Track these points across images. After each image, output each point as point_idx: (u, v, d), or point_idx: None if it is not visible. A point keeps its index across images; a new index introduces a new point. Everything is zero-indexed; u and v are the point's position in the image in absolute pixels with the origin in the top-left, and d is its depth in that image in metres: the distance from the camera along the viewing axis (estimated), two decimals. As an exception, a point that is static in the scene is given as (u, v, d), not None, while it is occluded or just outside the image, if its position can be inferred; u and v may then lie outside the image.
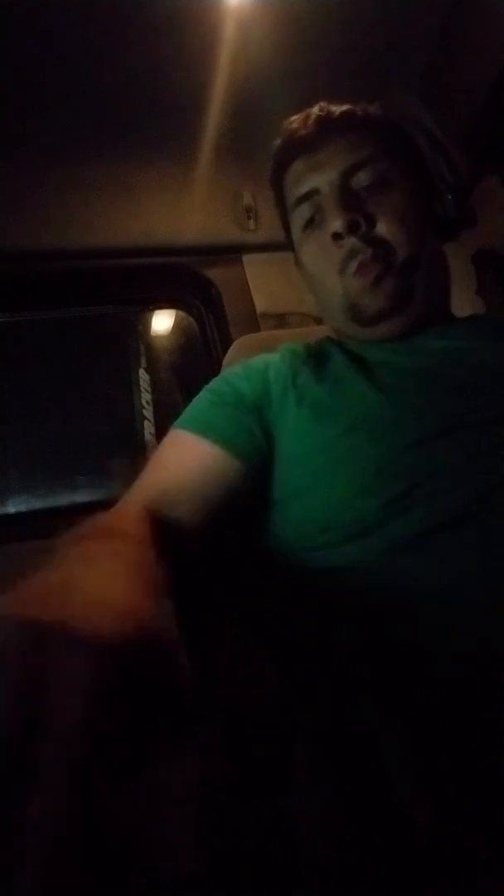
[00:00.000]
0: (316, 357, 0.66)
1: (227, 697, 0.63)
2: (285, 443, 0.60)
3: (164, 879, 0.20)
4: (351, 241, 0.62)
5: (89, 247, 1.29)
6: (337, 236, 0.63)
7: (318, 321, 0.84)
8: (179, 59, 1.11)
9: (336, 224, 0.62)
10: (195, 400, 0.65)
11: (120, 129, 1.25)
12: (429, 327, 0.66)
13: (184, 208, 1.34)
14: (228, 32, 1.07)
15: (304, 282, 0.75)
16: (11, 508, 1.52)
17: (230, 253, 1.37)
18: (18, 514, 1.45)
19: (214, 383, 0.67)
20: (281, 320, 1.31)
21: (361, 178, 0.65)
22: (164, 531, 0.47)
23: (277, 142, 0.71)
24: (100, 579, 0.28)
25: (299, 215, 0.68)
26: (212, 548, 0.55)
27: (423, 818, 0.45)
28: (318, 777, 0.55)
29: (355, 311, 0.65)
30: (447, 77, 1.18)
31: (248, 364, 0.68)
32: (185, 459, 0.58)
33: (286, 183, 0.70)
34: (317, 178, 0.66)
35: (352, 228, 0.62)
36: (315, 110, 0.68)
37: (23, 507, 1.53)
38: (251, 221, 1.36)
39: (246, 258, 1.37)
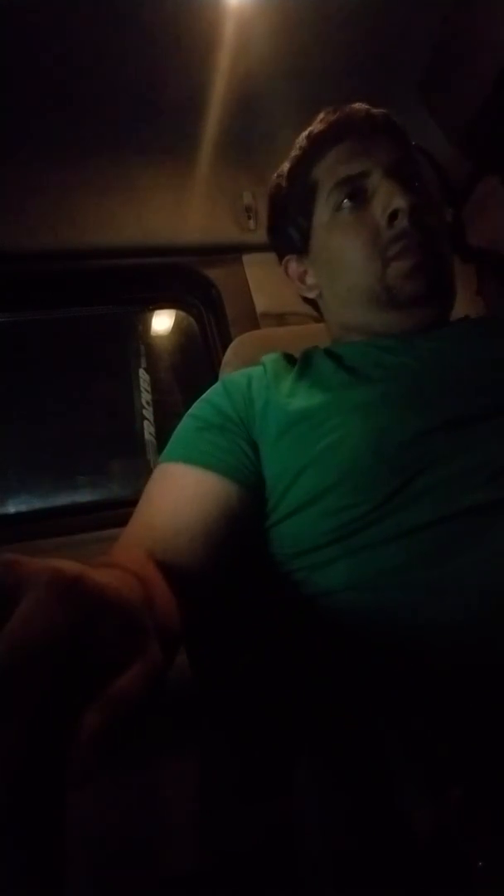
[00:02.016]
0: (300, 366, 0.66)
1: (229, 699, 0.63)
2: (270, 453, 0.59)
3: (164, 879, 0.20)
4: (404, 223, 0.62)
5: (89, 247, 1.29)
6: (394, 216, 0.62)
7: (318, 321, 0.83)
8: (179, 59, 1.11)
9: (399, 202, 0.62)
10: (179, 429, 0.63)
11: (120, 129, 1.25)
12: (430, 328, 0.65)
13: (184, 208, 1.34)
14: (228, 32, 1.07)
15: (315, 271, 0.72)
16: (11, 508, 1.52)
17: (230, 253, 1.37)
18: (18, 514, 1.45)
19: (196, 408, 0.65)
20: (281, 320, 1.30)
21: (407, 170, 0.66)
22: (169, 568, 0.46)
23: (317, 125, 0.70)
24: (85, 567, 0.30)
25: (334, 197, 0.67)
26: (220, 570, 0.53)
27: (422, 822, 0.45)
28: (318, 778, 0.55)
29: (390, 294, 0.64)
30: (447, 77, 1.18)
31: (230, 380, 0.66)
32: (178, 493, 0.56)
33: (325, 165, 0.68)
34: (369, 161, 0.65)
35: (413, 209, 0.62)
36: (356, 106, 0.69)
37: (23, 507, 1.53)
38: (251, 221, 1.36)
39: (246, 258, 1.37)
